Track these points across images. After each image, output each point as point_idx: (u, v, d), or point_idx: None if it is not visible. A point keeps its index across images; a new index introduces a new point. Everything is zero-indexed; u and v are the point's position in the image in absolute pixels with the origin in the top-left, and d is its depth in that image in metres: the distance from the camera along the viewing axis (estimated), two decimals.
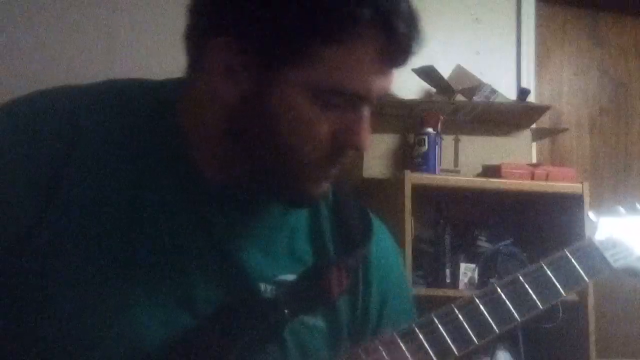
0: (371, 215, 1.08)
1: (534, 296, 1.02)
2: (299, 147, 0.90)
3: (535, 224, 2.83)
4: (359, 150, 0.93)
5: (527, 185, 2.68)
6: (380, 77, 0.91)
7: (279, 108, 0.89)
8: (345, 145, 0.92)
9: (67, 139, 0.91)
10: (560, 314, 2.49)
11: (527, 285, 1.02)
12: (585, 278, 1.07)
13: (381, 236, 1.09)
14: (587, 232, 1.11)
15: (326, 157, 0.92)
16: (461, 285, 2.67)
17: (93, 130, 0.93)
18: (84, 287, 0.88)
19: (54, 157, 0.90)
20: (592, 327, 2.66)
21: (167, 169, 0.94)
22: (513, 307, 1.01)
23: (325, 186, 0.96)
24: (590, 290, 2.65)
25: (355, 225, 1.05)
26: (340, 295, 0.99)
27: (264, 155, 0.92)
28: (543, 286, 1.04)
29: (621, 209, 1.15)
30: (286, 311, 0.94)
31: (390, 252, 1.11)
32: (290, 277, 0.97)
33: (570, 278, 1.06)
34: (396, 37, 0.89)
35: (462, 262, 2.72)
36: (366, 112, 0.92)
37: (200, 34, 0.92)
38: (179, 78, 0.99)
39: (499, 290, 1.01)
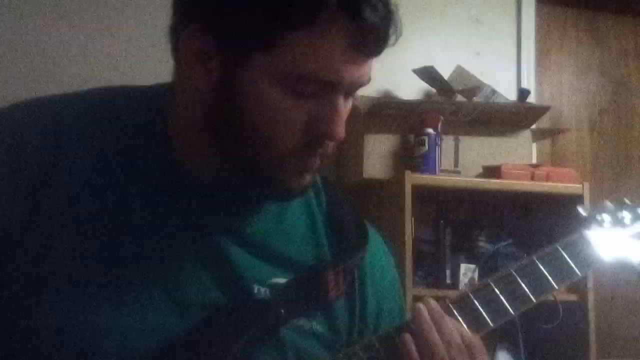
0: (363, 218, 1.08)
1: (527, 290, 1.03)
2: (271, 136, 0.89)
3: (536, 224, 2.83)
4: (333, 140, 0.91)
5: (527, 185, 2.68)
6: (352, 66, 0.89)
7: (249, 96, 0.88)
8: (319, 135, 0.90)
9: (51, 148, 0.91)
10: (561, 314, 2.49)
11: (519, 280, 1.03)
12: (577, 271, 1.08)
13: (373, 240, 1.09)
14: (578, 227, 1.13)
15: (302, 148, 0.90)
16: (461, 286, 2.66)
17: (78, 138, 0.93)
18: (75, 293, 0.87)
19: (38, 166, 0.90)
20: (592, 327, 2.66)
21: (156, 174, 0.94)
22: (507, 301, 1.02)
23: (307, 179, 0.94)
24: (590, 290, 2.66)
25: (351, 228, 1.05)
26: (338, 297, 0.99)
27: (238, 147, 0.91)
28: (536, 280, 1.05)
29: (610, 204, 1.17)
30: (283, 311, 0.94)
31: (381, 255, 1.11)
32: (284, 280, 0.97)
33: (562, 271, 1.07)
34: (365, 25, 0.87)
35: (462, 262, 2.72)
36: (340, 100, 0.90)
37: (177, 24, 0.92)
38: (168, 82, 0.99)
39: (492, 285, 1.02)
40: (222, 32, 0.88)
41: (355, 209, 1.08)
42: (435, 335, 0.95)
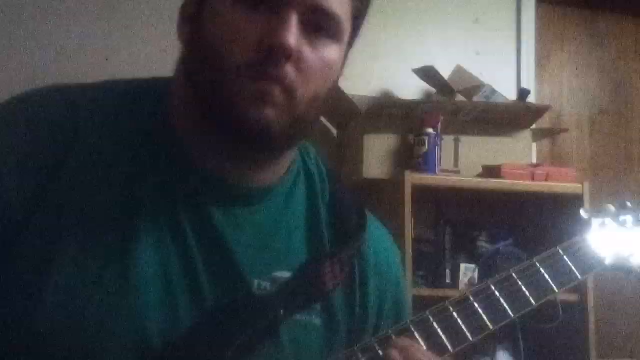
0: (368, 212, 1.08)
1: (527, 293, 1.03)
2: (222, 47, 0.89)
3: (535, 224, 2.83)
4: (283, 52, 0.88)
5: (527, 185, 2.68)
6: None
7: (208, 18, 0.91)
8: (269, 46, 0.88)
9: (68, 131, 0.92)
10: (560, 314, 2.49)
11: (520, 283, 1.03)
12: (578, 275, 1.08)
13: (378, 235, 1.09)
14: (580, 230, 1.13)
15: (255, 63, 0.89)
16: (461, 286, 2.66)
17: (92, 123, 0.94)
18: (83, 276, 0.88)
19: (54, 148, 0.91)
20: (592, 327, 2.66)
21: (164, 163, 0.95)
22: (507, 304, 1.01)
23: (269, 112, 0.90)
24: (590, 290, 2.66)
25: (352, 219, 1.05)
26: (335, 288, 0.99)
27: (201, 76, 0.91)
28: (536, 283, 1.04)
29: (611, 207, 1.16)
30: (282, 311, 0.94)
31: (388, 250, 1.11)
32: (286, 273, 0.97)
33: (562, 275, 1.07)
34: None
35: (462, 262, 2.72)
36: (290, 15, 0.89)
37: None
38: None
39: (492, 287, 1.02)
40: None
41: (358, 200, 1.08)
42: None
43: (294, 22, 0.89)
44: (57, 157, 0.91)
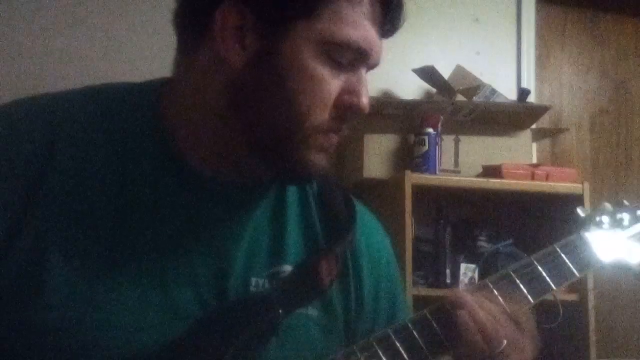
0: (355, 201, 1.08)
1: (524, 291, 1.03)
2: (308, 107, 0.89)
3: (535, 224, 2.83)
4: (360, 112, 0.92)
5: (527, 185, 2.68)
6: (378, 39, 0.93)
7: (289, 67, 0.89)
8: (346, 108, 0.91)
9: (44, 151, 0.91)
10: (561, 314, 2.49)
11: (518, 280, 1.03)
12: (575, 272, 1.08)
13: (368, 222, 1.10)
14: (577, 228, 1.13)
15: (328, 122, 0.91)
16: (461, 286, 2.66)
17: (73, 134, 0.93)
18: (72, 292, 0.87)
19: (31, 170, 0.90)
20: (592, 327, 2.66)
21: (154, 165, 0.94)
22: (505, 302, 1.01)
23: (325, 160, 0.94)
24: (590, 290, 2.66)
25: (340, 212, 1.05)
26: (331, 283, 0.99)
27: (270, 122, 0.90)
28: (534, 281, 1.04)
29: (608, 205, 1.16)
30: (280, 311, 0.94)
31: (377, 235, 1.12)
32: (284, 267, 0.97)
33: (560, 272, 1.07)
34: (389, 3, 0.92)
35: (462, 262, 2.72)
36: (365, 73, 0.93)
37: (203, 5, 0.91)
38: (161, 78, 0.99)
39: (490, 285, 1.02)
40: (261, 4, 0.89)
41: (344, 192, 1.09)
42: (480, 313, 0.96)
43: (366, 80, 0.93)
44: (36, 174, 0.89)
